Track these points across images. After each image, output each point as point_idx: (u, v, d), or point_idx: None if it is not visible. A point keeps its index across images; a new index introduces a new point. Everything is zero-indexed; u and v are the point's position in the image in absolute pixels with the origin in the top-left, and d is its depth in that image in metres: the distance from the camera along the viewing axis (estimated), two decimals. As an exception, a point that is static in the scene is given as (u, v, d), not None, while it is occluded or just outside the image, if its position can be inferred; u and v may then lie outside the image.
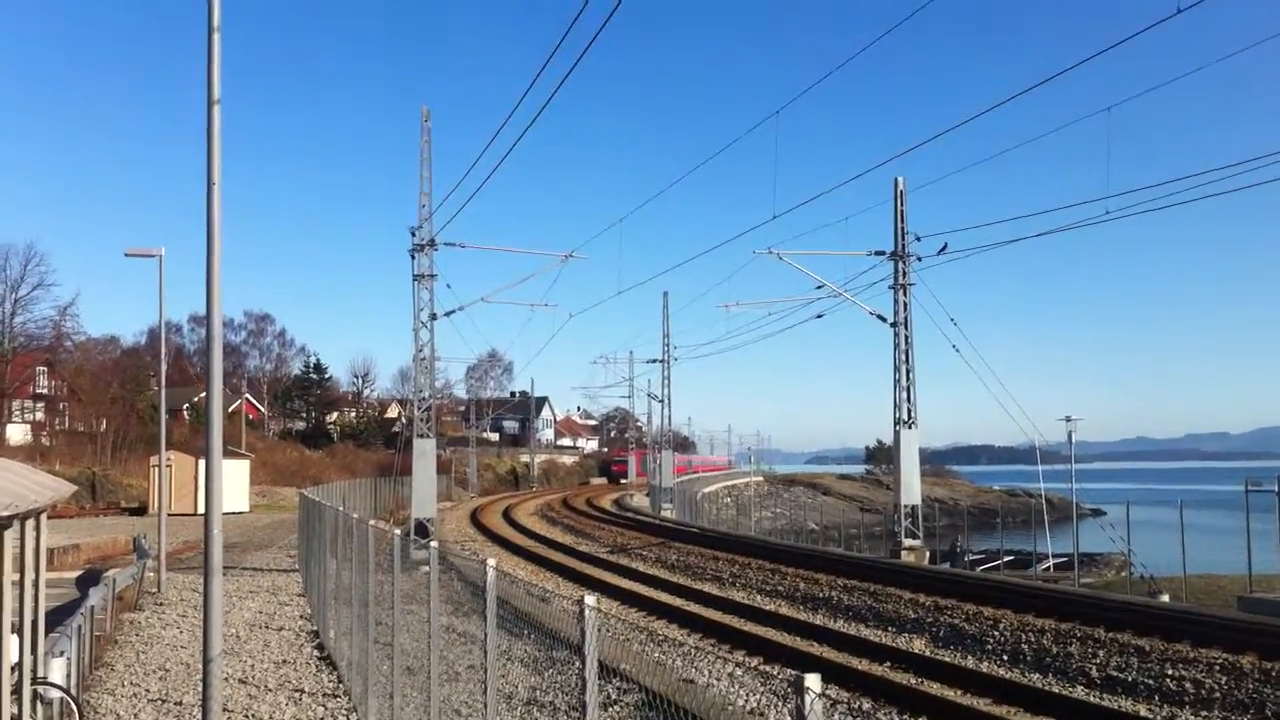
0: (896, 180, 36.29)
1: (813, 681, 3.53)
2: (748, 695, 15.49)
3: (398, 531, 12.04)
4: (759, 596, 27.43)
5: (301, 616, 22.71)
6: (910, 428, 36.52)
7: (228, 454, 52.40)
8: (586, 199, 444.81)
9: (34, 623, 9.80)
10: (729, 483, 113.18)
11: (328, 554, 18.36)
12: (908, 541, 36.17)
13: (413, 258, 36.89)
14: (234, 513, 57.44)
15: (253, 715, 13.76)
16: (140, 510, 62.02)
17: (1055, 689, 16.07)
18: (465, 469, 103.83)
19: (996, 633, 19.94)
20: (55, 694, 10.97)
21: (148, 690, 15.59)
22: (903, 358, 36.52)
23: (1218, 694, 15.06)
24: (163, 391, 32.47)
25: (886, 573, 28.79)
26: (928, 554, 38.28)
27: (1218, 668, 16.01)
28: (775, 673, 16.82)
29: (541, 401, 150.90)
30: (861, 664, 17.59)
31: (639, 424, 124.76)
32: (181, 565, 33.62)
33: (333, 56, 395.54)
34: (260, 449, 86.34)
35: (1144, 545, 34.20)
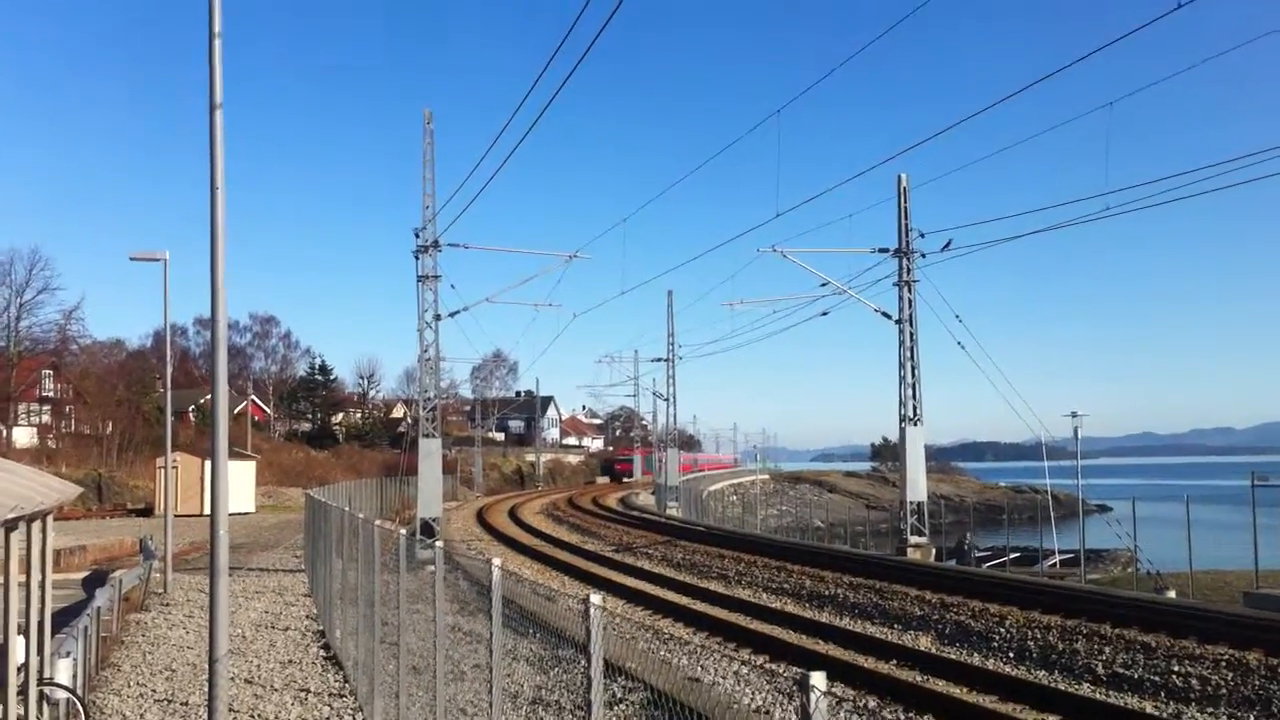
0: (900, 177, 36.29)
1: (818, 680, 3.53)
2: (753, 693, 15.49)
3: (403, 531, 12.06)
4: (765, 594, 27.43)
5: (307, 617, 22.74)
6: (916, 425, 36.50)
7: (233, 455, 52.40)
8: (590, 199, 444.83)
9: (40, 624, 9.83)
10: (734, 481, 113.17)
11: (333, 554, 18.39)
12: (914, 539, 36.17)
13: (417, 259, 36.97)
14: (240, 514, 57.57)
15: (259, 715, 13.78)
16: (146, 512, 62.11)
17: (1061, 686, 16.06)
18: (471, 469, 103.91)
19: (1002, 629, 19.93)
20: (62, 694, 10.99)
21: (154, 690, 15.62)
22: (908, 355, 36.51)
23: (1224, 690, 15.04)
24: (168, 394, 32.44)
25: (892, 570, 28.76)
26: (934, 551, 38.27)
27: (1224, 664, 15.99)
28: (781, 671, 16.83)
29: (547, 401, 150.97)
30: (867, 661, 17.59)
31: (644, 423, 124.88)
32: (188, 566, 33.70)
33: (335, 59, 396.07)
34: (266, 450, 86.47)
35: (1150, 541, 34.15)
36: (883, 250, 36.58)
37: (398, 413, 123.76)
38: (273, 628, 21.39)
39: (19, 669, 8.96)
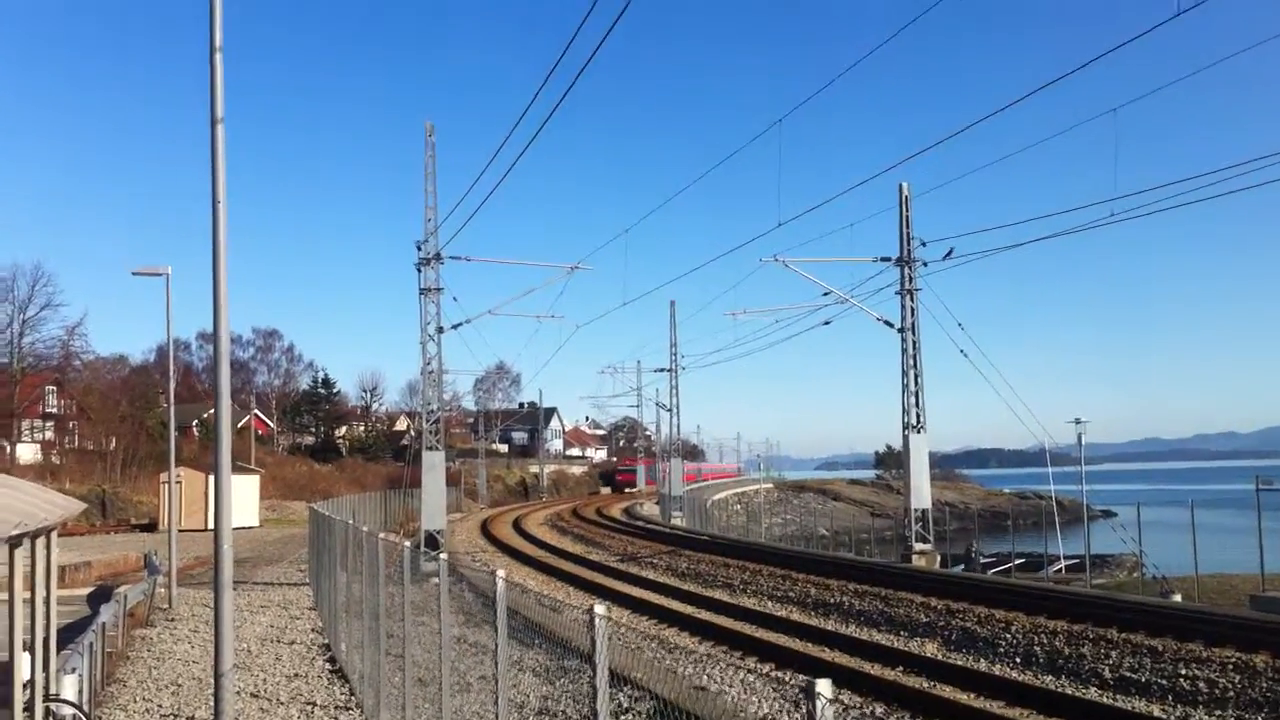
0: (901, 186, 36.31)
1: (824, 687, 3.53)
2: (760, 702, 15.47)
3: (407, 544, 12.06)
4: (770, 603, 27.40)
5: (313, 630, 22.73)
6: (919, 432, 36.47)
7: (237, 469, 52.49)
8: (591, 210, 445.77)
9: (46, 640, 9.81)
10: (739, 490, 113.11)
11: (338, 567, 18.39)
12: (919, 546, 36.12)
13: (419, 271, 37.01)
14: (244, 528, 57.58)
15: (265, 729, 13.76)
16: (151, 527, 62.12)
17: (1068, 690, 16.03)
18: (475, 480, 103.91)
19: (1009, 635, 19.90)
20: (68, 711, 10.98)
21: (160, 706, 15.61)
22: (910, 363, 36.50)
23: (1231, 693, 15.01)
24: (171, 408, 32.49)
25: (898, 577, 28.74)
26: (939, 558, 38.21)
27: (1231, 667, 15.96)
28: (787, 678, 16.81)
29: (550, 412, 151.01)
30: (874, 668, 17.56)
31: (648, 433, 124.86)
32: (192, 581, 33.68)
33: (336, 72, 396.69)
34: (270, 464, 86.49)
35: (1155, 545, 34.10)
36: (885, 259, 36.58)
37: (401, 425, 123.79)
38: (278, 641, 21.38)
39: (25, 686, 8.95)
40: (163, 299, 27.75)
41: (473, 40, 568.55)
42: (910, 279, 36.17)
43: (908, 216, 36.25)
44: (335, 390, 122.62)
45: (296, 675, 17.58)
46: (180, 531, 32.01)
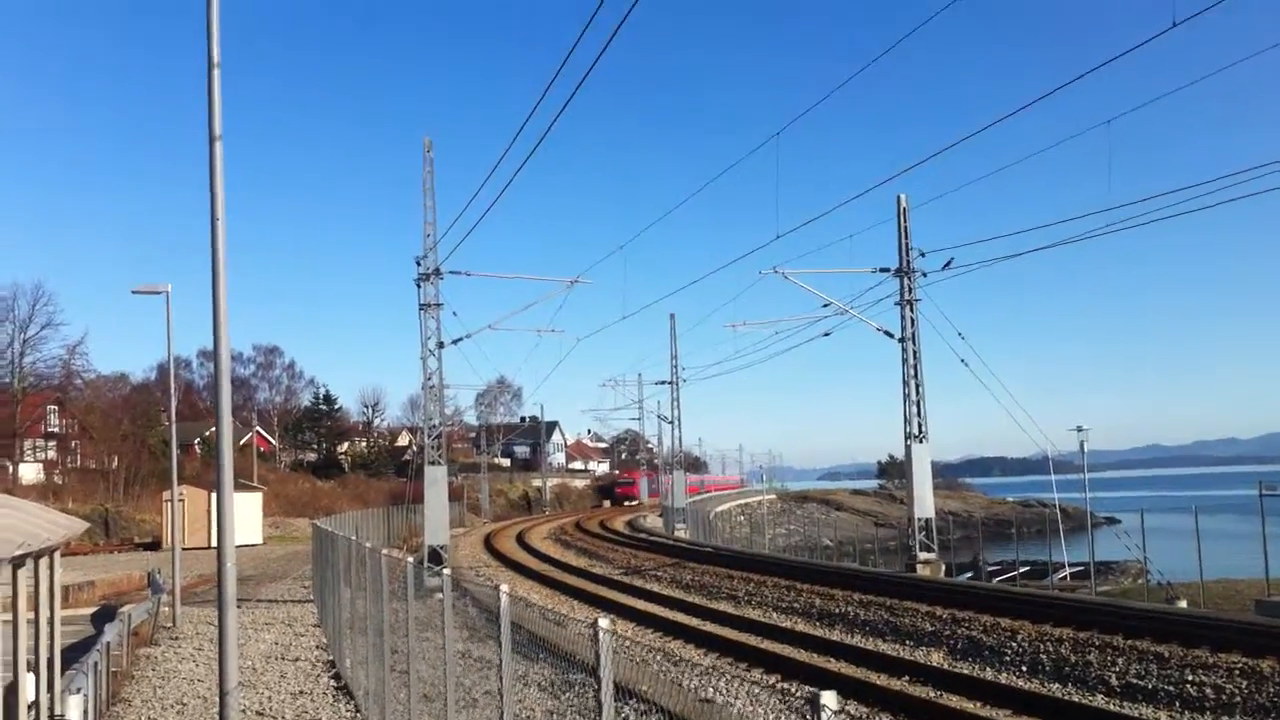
0: (899, 197, 36.39)
1: (829, 699, 3.53)
2: (766, 714, 15.43)
3: (410, 559, 12.06)
4: (775, 614, 27.35)
5: (317, 647, 22.70)
6: (921, 442, 36.49)
7: (239, 487, 52.50)
8: (591, 224, 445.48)
9: (50, 660, 9.80)
10: (742, 501, 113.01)
11: (342, 583, 18.37)
12: (923, 555, 36.11)
13: (418, 287, 37.04)
14: (247, 545, 57.51)
15: (271, 747, 13.73)
16: (154, 545, 62.10)
17: (1075, 698, 16.00)
18: (477, 495, 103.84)
19: (1014, 643, 19.85)
20: (73, 731, 10.94)
21: (165, 725, 15.57)
22: (911, 373, 36.53)
23: (1239, 698, 14.98)
24: (173, 427, 32.51)
25: (902, 586, 28.69)
26: (943, 567, 38.19)
27: (1238, 672, 15.93)
28: (793, 690, 16.77)
29: (551, 426, 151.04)
30: (880, 678, 17.52)
31: (650, 445, 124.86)
32: (196, 599, 33.64)
33: (334, 88, 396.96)
34: (272, 481, 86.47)
35: (1159, 552, 34.08)
36: (884, 270, 36.67)
37: (403, 441, 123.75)
38: (283, 659, 21.34)
39: (30, 707, 8.93)
40: (163, 317, 27.80)
41: (471, 56, 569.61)
42: (910, 289, 36.23)
43: (906, 228, 36.33)
44: (337, 406, 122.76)
45: (302, 692, 17.55)
46: (184, 550, 31.98)
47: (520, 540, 61.04)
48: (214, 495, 11.42)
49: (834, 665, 19.05)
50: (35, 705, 9.15)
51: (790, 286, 37.92)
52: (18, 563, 7.90)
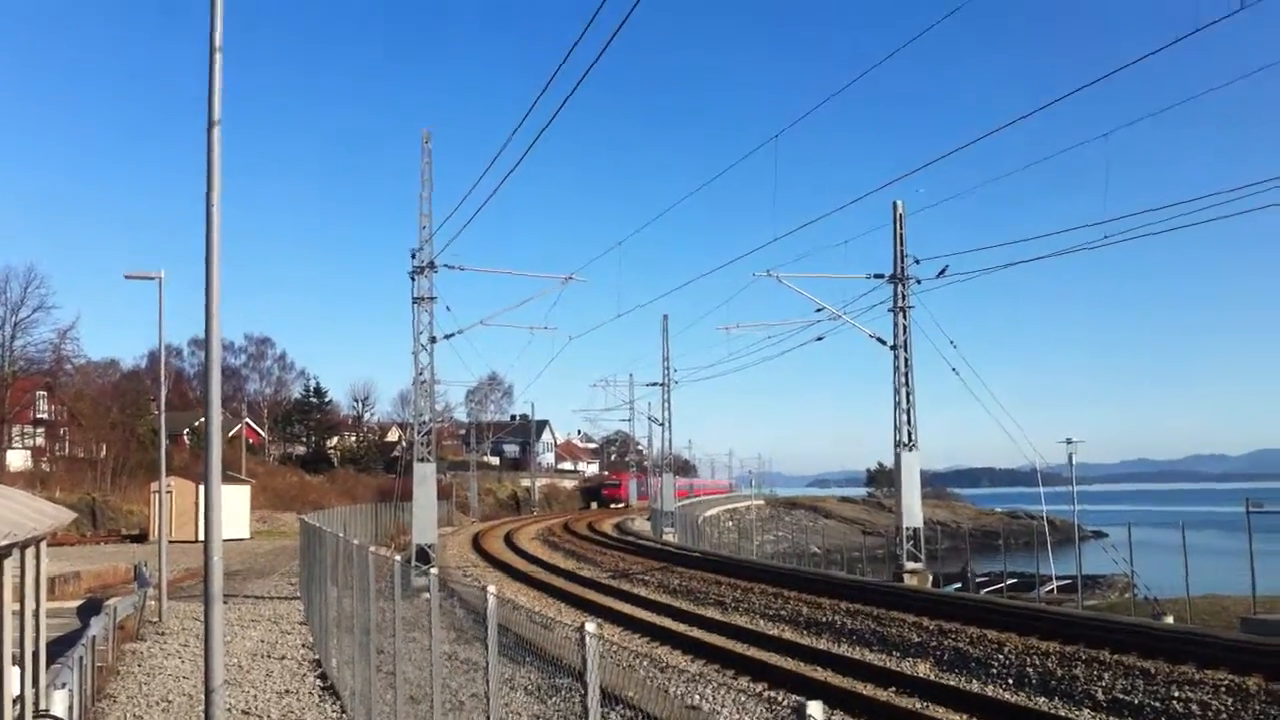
0: (896, 204, 36.40)
1: (814, 709, 3.52)
2: (752, 721, 15.41)
3: (398, 558, 12.01)
4: (762, 621, 27.33)
5: (303, 645, 22.62)
6: (911, 450, 36.51)
7: (228, 479, 52.34)
8: (586, 221, 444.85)
9: (35, 654, 9.74)
10: (730, 506, 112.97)
11: (329, 581, 18.31)
12: (910, 564, 36.11)
13: (413, 280, 36.94)
14: (234, 539, 57.34)
15: (254, 745, 13.67)
16: (141, 537, 61.92)
17: (1062, 712, 15.99)
18: (466, 493, 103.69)
19: (1001, 656, 19.86)
20: (56, 726, 10.88)
21: (149, 720, 15.51)
22: (903, 380, 36.54)
23: (1224, 715, 15.00)
24: (162, 416, 32.43)
25: (890, 596, 28.71)
26: (930, 577, 38.19)
27: (1223, 689, 15.95)
28: (780, 699, 16.75)
29: (542, 425, 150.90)
30: (866, 689, 17.50)
31: (639, 447, 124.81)
32: (183, 593, 33.54)
33: (333, 79, 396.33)
34: (260, 474, 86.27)
35: (1147, 567, 34.09)
36: (878, 276, 36.64)
37: (392, 436, 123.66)
38: (269, 656, 21.26)
39: (14, 701, 8.88)
40: (155, 303, 27.68)
41: (471, 49, 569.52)
42: (904, 296, 36.24)
43: (902, 234, 36.33)
44: (327, 400, 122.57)
45: (288, 691, 17.48)
46: (171, 543, 31.84)
47: (509, 541, 60.97)
48: (202, 487, 11.37)
49: (820, 674, 19.02)
50: (20, 699, 9.09)
51: (784, 291, 37.95)
52: (4, 553, 7.84)
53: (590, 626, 5.79)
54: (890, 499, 69.43)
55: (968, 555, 48.94)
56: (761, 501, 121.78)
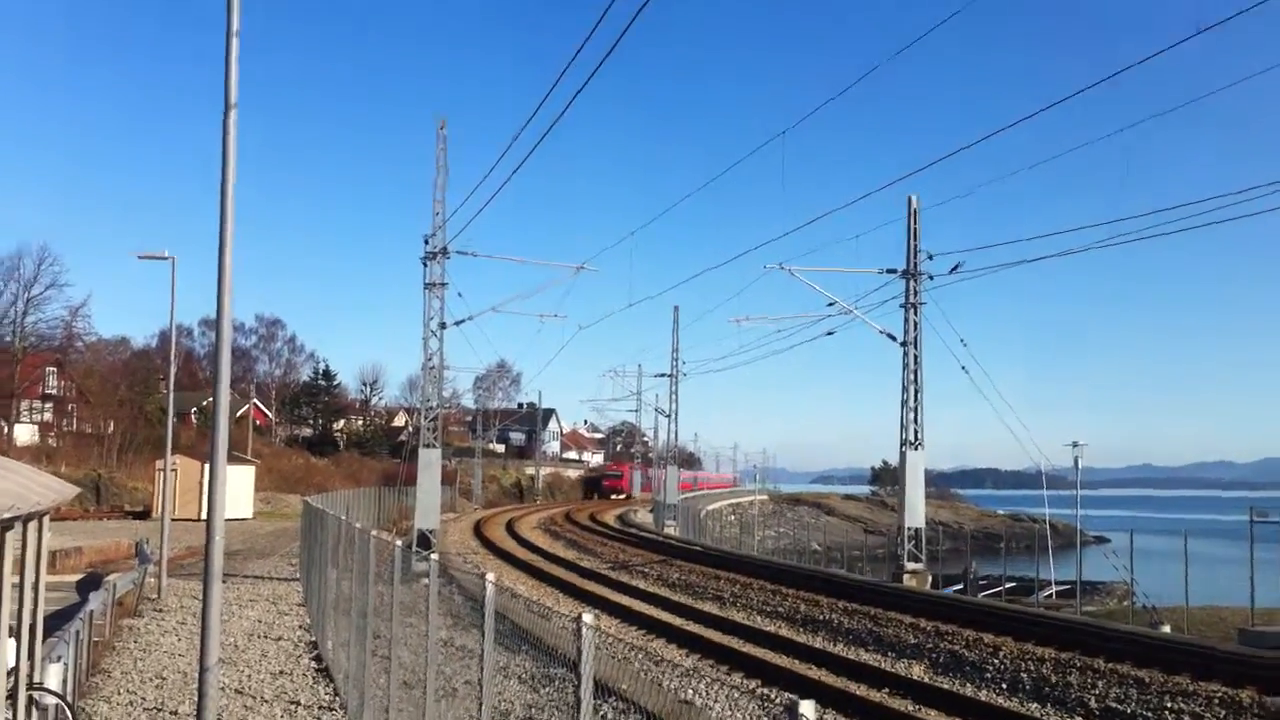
0: (910, 198, 36.21)
1: (806, 708, 3.53)
2: (744, 718, 15.45)
3: (398, 543, 12.05)
4: (759, 617, 27.36)
5: (300, 626, 22.70)
6: (917, 449, 36.40)
7: (233, 459, 52.36)
8: (598, 211, 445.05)
9: (32, 626, 9.78)
10: (733, 501, 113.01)
11: (329, 563, 18.37)
12: (910, 565, 36.01)
13: (425, 265, 36.98)
14: (237, 519, 57.48)
15: (249, 724, 13.72)
16: (144, 514, 62.09)
17: (1054, 719, 16.00)
18: (470, 480, 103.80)
19: (996, 660, 19.87)
20: (51, 700, 10.94)
21: (144, 699, 15.58)
22: (911, 378, 36.43)
23: (1217, 728, 14.99)
24: (170, 395, 32.46)
25: (888, 596, 28.71)
26: (930, 578, 38.13)
27: (1217, 701, 15.94)
28: (773, 696, 16.78)
29: (549, 414, 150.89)
30: (860, 689, 17.52)
31: (645, 439, 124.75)
32: (183, 571, 33.65)
33: (349, 65, 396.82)
34: (266, 455, 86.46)
35: (1147, 574, 34.02)
36: (890, 271, 36.50)
37: (399, 421, 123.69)
38: (265, 637, 21.35)
39: (9, 673, 8.93)
40: (168, 283, 27.81)
41: (487, 39, 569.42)
42: (915, 292, 36.09)
43: (915, 229, 36.15)
44: (335, 382, 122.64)
45: (282, 672, 17.55)
46: (173, 521, 31.95)
47: (510, 529, 61.07)
48: (207, 466, 11.40)
49: (815, 673, 19.05)
50: (15, 671, 9.15)
51: (794, 285, 37.80)
52: (6, 525, 7.89)
53: (588, 618, 5.82)
54: (894, 497, 69.41)
55: (969, 557, 48.92)
56: (765, 497, 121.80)
